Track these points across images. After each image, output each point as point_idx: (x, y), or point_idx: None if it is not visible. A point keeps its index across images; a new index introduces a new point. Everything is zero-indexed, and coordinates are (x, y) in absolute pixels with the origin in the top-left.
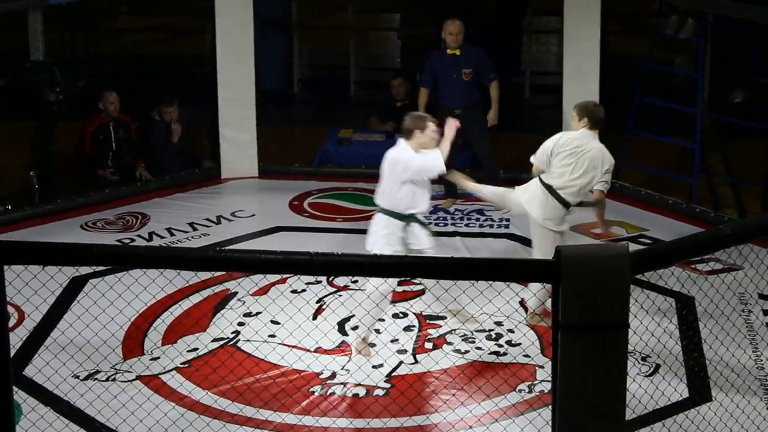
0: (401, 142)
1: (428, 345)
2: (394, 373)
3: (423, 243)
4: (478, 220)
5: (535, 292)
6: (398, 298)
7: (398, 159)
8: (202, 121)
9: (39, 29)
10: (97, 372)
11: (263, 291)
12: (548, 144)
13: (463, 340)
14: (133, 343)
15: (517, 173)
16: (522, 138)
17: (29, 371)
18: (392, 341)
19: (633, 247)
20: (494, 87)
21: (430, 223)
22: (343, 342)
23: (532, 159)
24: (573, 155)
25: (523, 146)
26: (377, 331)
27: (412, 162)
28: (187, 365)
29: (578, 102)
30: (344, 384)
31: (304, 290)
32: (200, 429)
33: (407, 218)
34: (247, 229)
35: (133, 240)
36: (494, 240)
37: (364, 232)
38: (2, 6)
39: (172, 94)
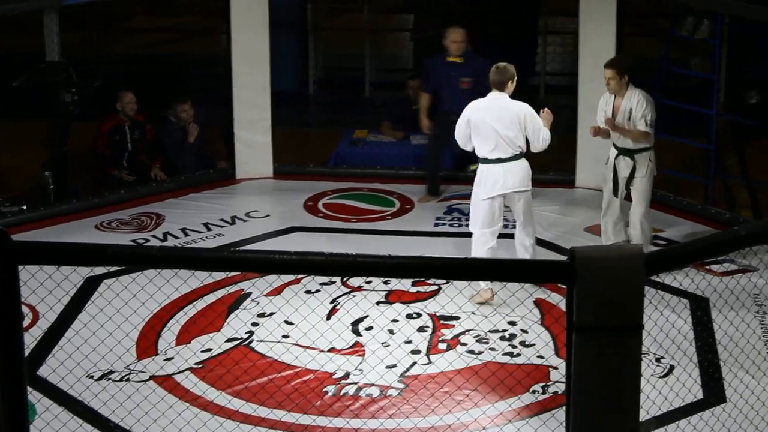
0: (501, 95)
1: (442, 345)
2: (408, 374)
3: None
4: None
5: None
6: (412, 298)
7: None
8: (217, 121)
9: (54, 30)
10: (111, 372)
11: (277, 291)
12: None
13: (476, 340)
14: (147, 343)
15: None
16: None
17: (43, 371)
18: (406, 342)
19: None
20: None
21: (444, 224)
22: (356, 342)
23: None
24: None
25: None
26: (391, 331)
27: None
28: (201, 365)
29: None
30: (358, 384)
31: (318, 291)
32: (214, 429)
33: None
34: (261, 230)
35: (147, 240)
36: (509, 240)
37: (378, 232)
38: (18, 6)
39: (186, 92)
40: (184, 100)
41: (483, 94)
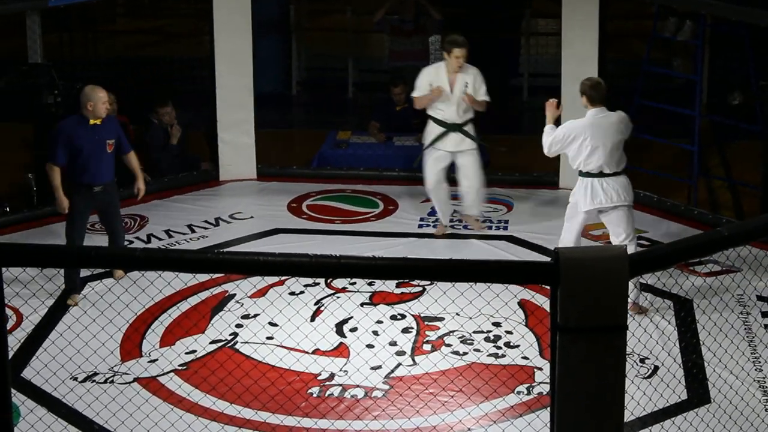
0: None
1: (426, 347)
2: (393, 375)
3: None
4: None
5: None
6: (396, 299)
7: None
8: (200, 123)
9: (37, 31)
10: (96, 374)
11: (261, 293)
12: None
13: (461, 342)
14: (131, 345)
15: (517, 176)
16: (520, 140)
17: (27, 373)
18: (390, 343)
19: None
20: (132, 156)
21: (429, 225)
22: (341, 344)
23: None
24: None
25: (521, 148)
26: (375, 333)
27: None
28: (185, 367)
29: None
30: (342, 386)
31: (302, 292)
32: (198, 431)
33: None
34: (245, 231)
35: (131, 242)
36: (493, 242)
37: (362, 234)
38: (1, 8)
39: (166, 95)
40: (164, 102)
41: (120, 157)
